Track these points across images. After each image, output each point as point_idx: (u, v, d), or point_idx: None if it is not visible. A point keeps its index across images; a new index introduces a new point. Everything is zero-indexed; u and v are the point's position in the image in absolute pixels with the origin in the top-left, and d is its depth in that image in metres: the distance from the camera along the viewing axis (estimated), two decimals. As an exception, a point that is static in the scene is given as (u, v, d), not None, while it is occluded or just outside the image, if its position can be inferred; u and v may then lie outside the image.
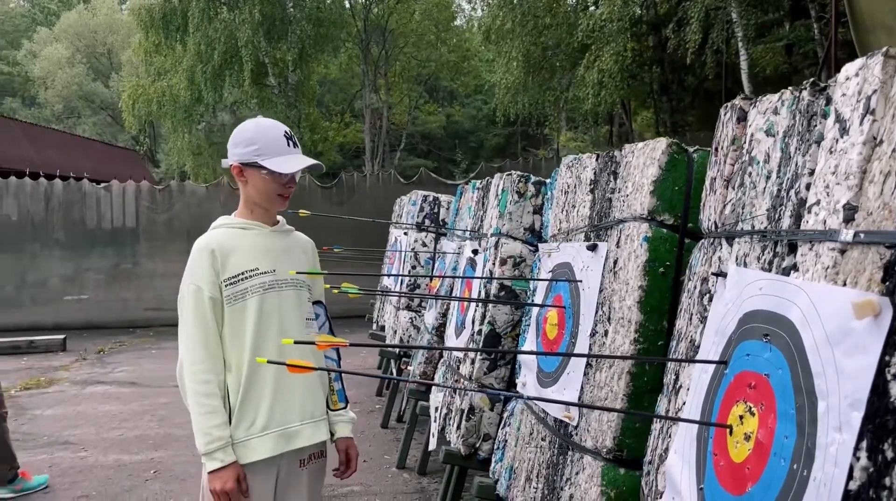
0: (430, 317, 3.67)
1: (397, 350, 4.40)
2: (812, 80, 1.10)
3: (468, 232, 3.05)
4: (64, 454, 4.67)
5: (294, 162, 2.00)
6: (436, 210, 4.45)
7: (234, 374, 1.99)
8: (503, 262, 2.51)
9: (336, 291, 2.05)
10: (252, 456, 2.00)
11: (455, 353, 2.88)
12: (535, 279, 2.15)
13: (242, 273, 2.00)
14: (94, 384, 6.77)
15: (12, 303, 9.94)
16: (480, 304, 2.61)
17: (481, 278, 2.57)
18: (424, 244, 4.44)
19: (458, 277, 3.00)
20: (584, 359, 1.78)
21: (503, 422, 2.27)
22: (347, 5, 24.38)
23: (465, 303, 2.88)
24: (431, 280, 4.40)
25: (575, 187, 2.06)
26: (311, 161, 2.05)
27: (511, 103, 19.47)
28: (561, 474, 1.82)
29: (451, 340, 2.99)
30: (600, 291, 1.79)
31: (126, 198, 9.98)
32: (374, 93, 25.99)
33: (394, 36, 25.81)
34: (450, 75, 28.96)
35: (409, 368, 3.70)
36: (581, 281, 1.87)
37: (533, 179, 2.53)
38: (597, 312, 1.79)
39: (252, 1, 20.32)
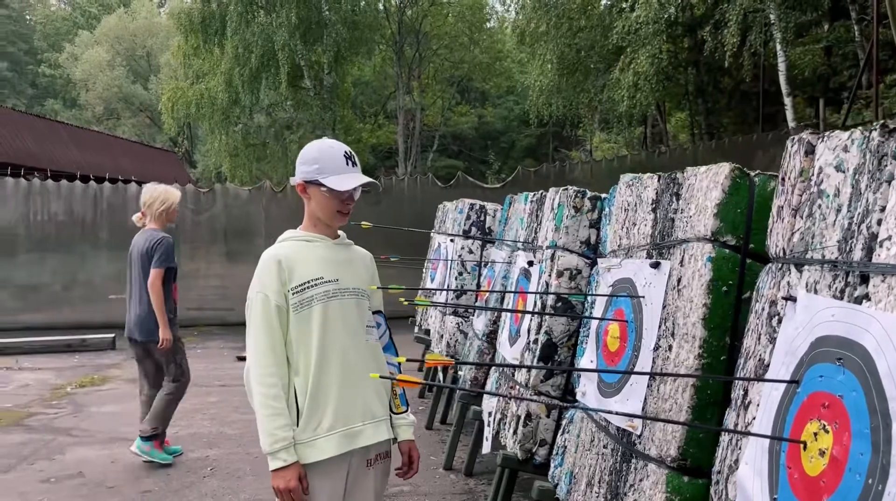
0: (479, 323, 3.78)
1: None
2: (882, 122, 1.19)
3: (520, 243, 3.16)
4: (123, 449, 4.86)
5: (351, 180, 2.13)
6: (482, 218, 4.55)
7: (301, 377, 2.12)
8: (560, 274, 2.61)
9: (406, 302, 2.16)
10: (319, 456, 2.12)
11: (508, 360, 2.98)
12: (594, 295, 2.25)
13: (308, 282, 2.13)
14: (145, 382, 6.99)
15: (63, 301, 10.28)
16: (532, 314, 2.72)
17: (537, 292, 2.66)
18: (471, 251, 4.55)
19: (512, 291, 3.10)
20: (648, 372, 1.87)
21: (562, 429, 2.37)
22: (381, 7, 24.58)
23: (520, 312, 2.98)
24: (479, 288, 4.50)
25: (635, 206, 2.15)
26: (366, 179, 2.17)
27: (545, 105, 19.50)
28: (624, 480, 1.91)
29: (504, 347, 3.10)
30: (663, 307, 1.88)
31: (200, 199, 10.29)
32: (408, 94, 26.18)
33: (427, 38, 25.98)
34: (482, 76, 29.03)
35: (459, 373, 3.82)
36: (643, 297, 1.96)
37: (589, 194, 2.62)
38: (660, 327, 1.88)
39: (289, 4, 20.60)
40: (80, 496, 4.07)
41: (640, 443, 1.88)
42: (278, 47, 20.35)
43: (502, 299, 3.50)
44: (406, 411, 2.34)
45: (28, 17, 49.51)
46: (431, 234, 7.02)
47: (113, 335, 8.82)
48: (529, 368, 2.02)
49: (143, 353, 4.58)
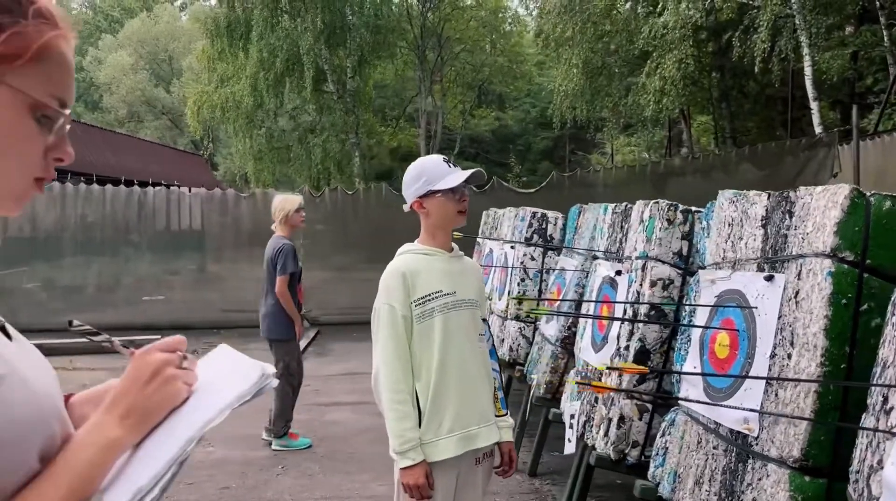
0: (551, 329, 3.91)
1: (508, 359, 4.65)
2: None
3: (600, 252, 3.29)
4: (197, 447, 5.03)
5: (458, 176, 2.30)
6: (544, 226, 4.69)
7: (423, 383, 2.29)
8: (653, 284, 2.74)
9: (526, 312, 2.31)
10: (440, 455, 2.29)
11: (593, 364, 3.12)
12: (697, 305, 2.38)
13: (429, 295, 2.30)
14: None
15: (106, 303, 10.51)
16: (626, 322, 2.85)
17: (627, 302, 2.80)
18: (533, 258, 4.68)
19: (594, 300, 3.23)
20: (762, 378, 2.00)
21: (661, 431, 2.50)
22: (405, 11, 24.76)
23: (604, 320, 3.12)
24: (540, 295, 4.62)
25: (741, 221, 2.28)
26: (469, 172, 2.34)
27: (569, 109, 19.65)
28: (740, 479, 2.04)
29: (587, 353, 3.23)
30: (779, 317, 2.01)
31: (214, 203, 10.49)
32: (430, 97, 26.38)
33: (449, 42, 26.17)
34: (504, 80, 29.18)
35: (532, 377, 3.96)
36: (756, 307, 2.09)
37: (681, 207, 2.76)
38: (776, 336, 2.01)
39: (314, 9, 20.81)
40: (162, 492, 4.24)
41: (757, 444, 2.01)
42: (303, 51, 20.56)
43: (578, 305, 3.63)
44: (506, 414, 2.51)
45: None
46: (479, 240, 7.17)
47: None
48: (702, 375, 2.15)
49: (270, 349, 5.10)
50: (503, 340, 4.78)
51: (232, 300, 10.72)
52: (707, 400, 2.24)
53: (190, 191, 10.43)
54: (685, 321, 2.52)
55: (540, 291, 4.61)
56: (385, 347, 2.26)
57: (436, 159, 2.35)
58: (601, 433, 2.89)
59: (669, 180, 12.46)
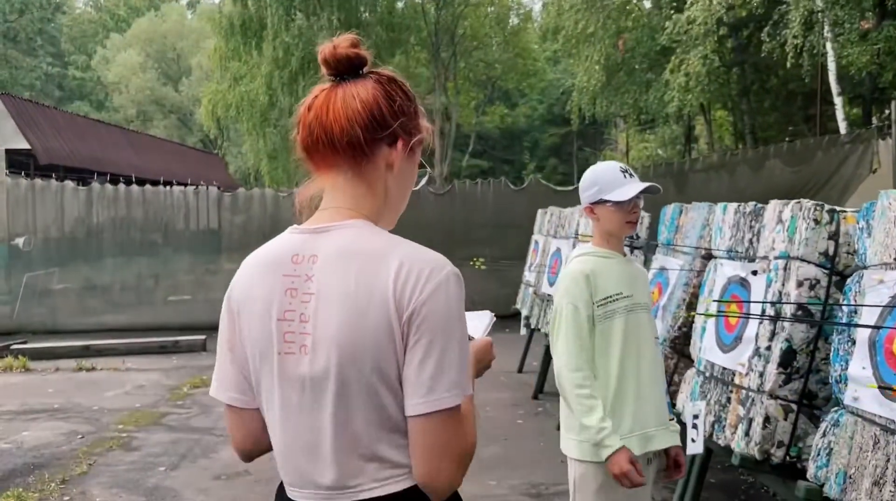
0: (657, 328, 3.90)
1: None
2: None
3: (725, 251, 3.28)
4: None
5: (631, 188, 2.31)
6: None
7: (601, 382, 2.30)
8: (799, 284, 2.74)
9: (691, 315, 2.30)
10: None
11: (725, 365, 3.11)
12: (869, 305, 2.37)
13: (611, 296, 2.31)
14: (254, 383, 7.18)
15: (145, 302, 10.52)
16: (766, 322, 2.84)
17: (771, 301, 2.79)
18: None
19: (742, 301, 3.22)
20: (959, 379, 2.00)
21: (822, 431, 2.50)
22: (419, 7, 24.70)
23: (732, 319, 3.11)
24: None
25: (917, 220, 2.28)
26: (643, 185, 2.34)
27: (588, 105, 19.62)
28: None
29: (711, 353, 3.22)
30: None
31: (254, 201, 10.49)
32: (444, 95, 26.34)
33: (464, 39, 26.13)
34: (516, 78, 29.15)
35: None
36: (948, 308, 2.09)
37: (827, 207, 2.75)
38: (975, 337, 2.01)
39: (330, 7, 20.77)
40: (256, 492, 4.24)
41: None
42: (318, 50, 20.52)
43: (689, 304, 3.63)
44: (673, 419, 2.51)
45: (51, 21, 50.14)
46: (536, 238, 7.15)
47: (204, 337, 9.01)
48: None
49: None
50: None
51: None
52: (885, 400, 2.24)
53: (219, 189, 10.41)
54: (842, 322, 2.51)
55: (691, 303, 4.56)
56: (568, 344, 2.27)
57: (612, 168, 2.36)
58: (740, 433, 2.88)
59: (691, 178, 12.42)
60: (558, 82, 32.31)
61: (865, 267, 2.48)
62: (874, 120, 17.85)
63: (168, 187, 10.44)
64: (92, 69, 41.90)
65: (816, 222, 2.73)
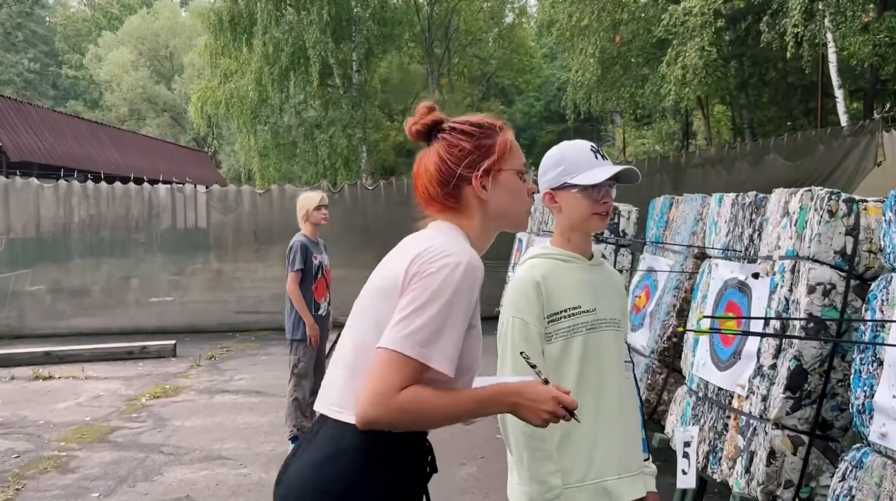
0: (642, 337, 3.43)
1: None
2: None
3: (721, 250, 2.80)
4: (224, 470, 4.57)
5: (601, 172, 1.85)
6: (616, 221, 4.20)
7: None
8: (811, 289, 2.26)
9: (682, 329, 1.83)
10: None
11: (720, 385, 2.63)
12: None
13: (566, 310, 1.85)
14: (219, 393, 6.71)
15: (117, 305, 10.06)
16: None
17: (786, 317, 2.31)
18: (604, 257, 4.20)
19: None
20: None
21: (843, 474, 2.02)
22: (411, 2, 24.21)
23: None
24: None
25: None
26: (618, 167, 1.87)
27: (583, 100, 19.13)
28: None
29: (705, 371, 2.74)
30: None
31: (229, 198, 10.01)
32: (438, 90, 25.85)
33: (457, 35, 25.63)
34: (512, 74, 28.68)
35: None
36: None
37: (844, 196, 2.27)
38: None
39: (320, 1, 20.30)
40: (194, 524, 3.77)
41: None
42: (309, 45, 20.05)
43: (679, 311, 3.15)
44: (648, 459, 2.03)
45: (48, 20, 49.63)
46: (520, 236, 6.68)
47: (174, 342, 8.55)
48: None
49: None
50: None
51: (247, 302, 10.26)
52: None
53: (206, 188, 9.96)
54: (865, 337, 2.04)
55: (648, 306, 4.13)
56: (517, 371, 1.78)
57: (582, 146, 1.90)
58: (739, 468, 2.40)
59: (688, 173, 12.04)
60: (555, 78, 31.88)
61: (894, 269, 2.00)
62: (875, 114, 17.39)
63: (139, 185, 9.95)
64: (85, 68, 41.43)
65: (831, 213, 2.25)
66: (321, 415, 1.50)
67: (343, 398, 1.40)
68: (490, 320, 1.91)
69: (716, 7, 14.79)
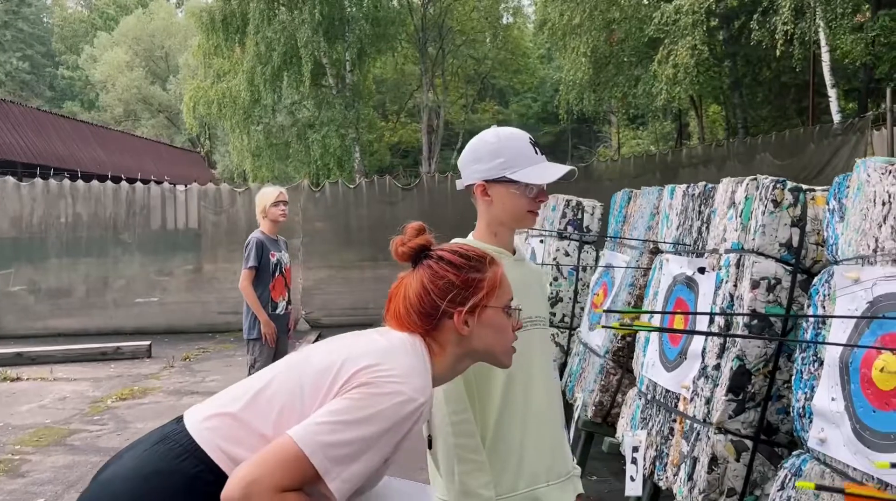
0: (598, 337, 3.28)
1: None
2: None
3: (672, 244, 2.66)
4: (178, 474, 4.42)
5: (548, 171, 1.73)
6: (579, 216, 4.06)
7: (480, 425, 1.68)
8: (755, 284, 2.11)
9: (619, 327, 1.69)
10: None
11: (668, 388, 2.49)
12: (843, 317, 1.74)
13: None
14: (188, 395, 6.58)
15: (95, 306, 9.92)
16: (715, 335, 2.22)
17: (730, 313, 2.17)
18: (567, 254, 4.06)
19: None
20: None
21: (781, 482, 1.88)
22: (405, 1, 24.09)
23: (678, 327, 2.49)
24: (577, 295, 4.03)
25: (904, 198, 1.65)
26: (566, 168, 1.75)
27: (576, 100, 18.97)
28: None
29: (653, 371, 2.60)
30: None
31: (209, 200, 9.86)
32: (432, 91, 25.70)
33: (451, 34, 25.49)
34: (507, 75, 28.54)
35: (576, 396, 3.32)
36: (945, 319, 1.47)
37: (790, 184, 2.12)
38: None
39: (312, 1, 20.18)
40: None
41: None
42: (301, 45, 19.93)
43: (658, 313, 3.01)
44: (574, 459, 1.90)
45: (45, 20, 49.53)
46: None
47: (149, 343, 8.41)
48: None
49: None
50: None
51: (228, 302, 10.10)
52: (861, 446, 1.62)
53: (186, 187, 9.79)
54: (807, 335, 1.89)
55: (576, 291, 4.00)
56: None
57: (521, 138, 1.76)
58: (682, 475, 2.26)
59: (681, 172, 11.96)
60: (551, 79, 31.77)
61: (837, 262, 1.86)
62: (869, 113, 17.25)
63: (118, 184, 9.80)
64: (80, 68, 41.31)
65: (776, 203, 2.11)
66: (184, 423, 1.36)
67: (229, 432, 1.30)
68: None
69: (707, 5, 14.64)
